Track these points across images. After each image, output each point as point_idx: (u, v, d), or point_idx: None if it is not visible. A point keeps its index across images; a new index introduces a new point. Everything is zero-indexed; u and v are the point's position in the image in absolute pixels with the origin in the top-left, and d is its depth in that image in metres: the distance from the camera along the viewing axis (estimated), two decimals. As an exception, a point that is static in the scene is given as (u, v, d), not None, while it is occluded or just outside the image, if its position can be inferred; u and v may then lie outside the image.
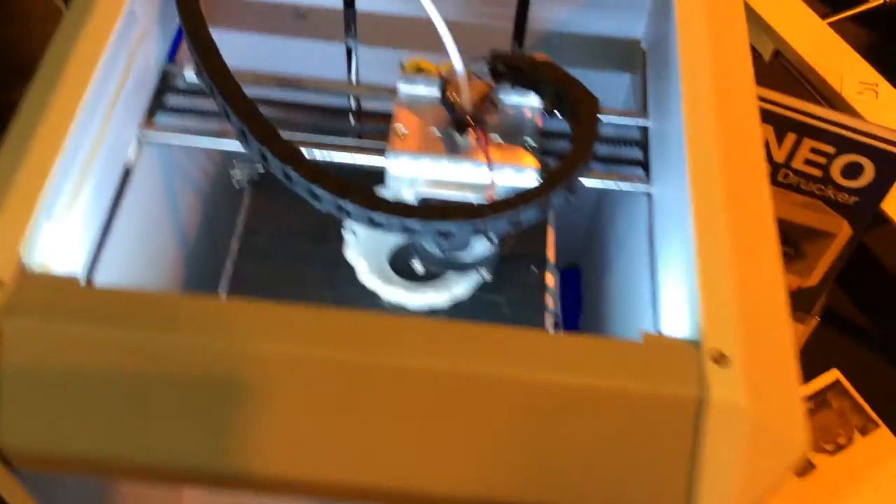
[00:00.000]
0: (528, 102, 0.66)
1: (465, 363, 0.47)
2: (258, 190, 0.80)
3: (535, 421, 0.47)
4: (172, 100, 0.69)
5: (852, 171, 0.89)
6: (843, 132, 0.86)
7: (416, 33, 0.82)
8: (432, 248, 0.67)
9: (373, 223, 0.56)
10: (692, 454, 0.47)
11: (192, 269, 0.86)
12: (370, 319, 0.49)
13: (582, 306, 1.02)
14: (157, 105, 0.68)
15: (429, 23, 0.83)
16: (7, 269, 0.49)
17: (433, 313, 0.71)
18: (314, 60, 0.84)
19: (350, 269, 0.73)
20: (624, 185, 0.67)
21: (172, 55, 0.72)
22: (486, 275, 0.70)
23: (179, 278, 0.84)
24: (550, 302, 0.74)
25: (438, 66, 0.67)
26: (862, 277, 1.12)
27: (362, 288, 0.72)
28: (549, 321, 0.73)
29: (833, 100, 1.18)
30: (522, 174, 0.63)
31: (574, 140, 0.60)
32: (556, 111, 0.65)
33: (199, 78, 0.61)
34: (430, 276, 0.73)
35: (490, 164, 0.62)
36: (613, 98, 0.90)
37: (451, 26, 0.80)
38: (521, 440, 0.47)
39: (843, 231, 0.93)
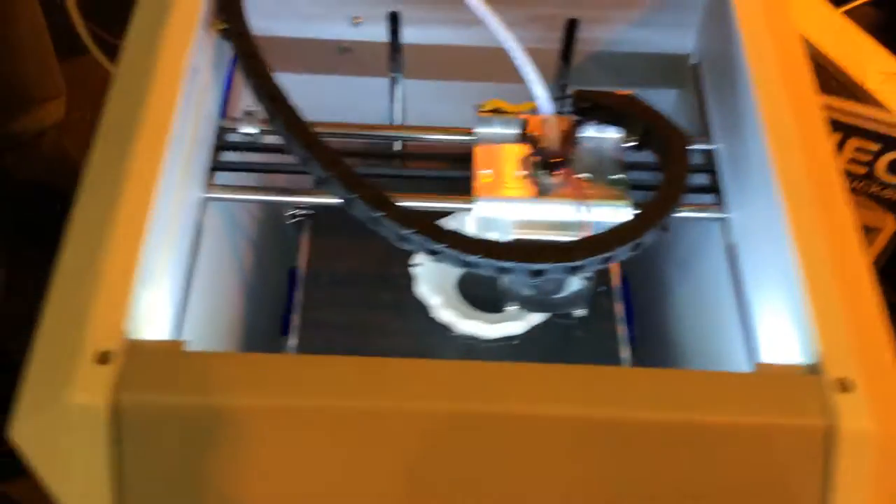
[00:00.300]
0: (607, 136, 0.66)
1: (598, 408, 0.47)
2: (315, 233, 0.79)
3: (665, 461, 0.47)
4: (228, 156, 0.69)
5: (897, 167, 0.90)
6: (888, 130, 0.87)
7: (460, 63, 0.82)
8: (525, 290, 0.64)
9: (466, 265, 0.56)
10: (824, 484, 0.47)
11: (253, 313, 0.85)
12: (490, 370, 0.49)
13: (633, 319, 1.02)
14: (216, 163, 0.67)
15: (470, 52, 0.83)
16: (114, 341, 0.48)
17: (507, 339, 0.71)
18: (358, 94, 0.84)
19: (416, 303, 0.72)
20: (696, 214, 0.66)
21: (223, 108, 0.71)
22: (582, 312, 0.68)
23: (241, 324, 0.83)
24: (621, 324, 0.74)
25: (517, 105, 0.66)
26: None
27: (432, 321, 0.72)
28: (622, 341, 0.73)
29: (856, 91, 1.18)
30: (618, 210, 0.62)
31: (666, 177, 0.59)
32: (641, 146, 0.64)
33: (273, 127, 0.60)
34: (495, 305, 0.73)
35: (585, 203, 0.61)
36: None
37: (497, 50, 0.80)
38: (653, 480, 0.47)
39: (888, 226, 0.94)
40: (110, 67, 0.90)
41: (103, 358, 0.47)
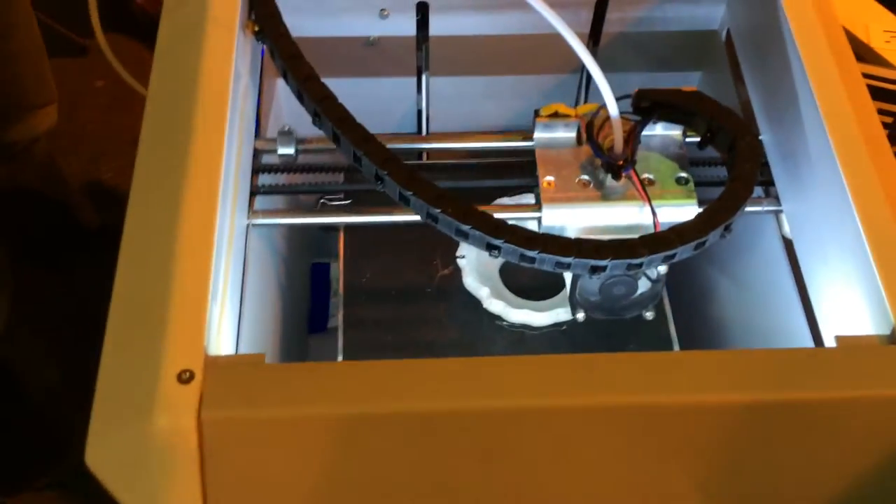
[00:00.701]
0: (671, 133, 0.65)
1: (702, 393, 0.47)
2: (350, 233, 0.78)
3: (763, 442, 0.47)
4: (265, 178, 0.67)
5: (920, 128, 0.90)
6: (911, 91, 0.87)
7: (486, 55, 0.81)
8: (595, 296, 0.63)
9: (525, 259, 0.55)
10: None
11: (288, 321, 0.84)
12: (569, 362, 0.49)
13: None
14: (256, 188, 0.66)
15: (497, 43, 0.81)
16: (196, 359, 0.47)
17: (557, 326, 0.71)
18: (385, 92, 0.83)
19: (460, 295, 0.72)
20: (749, 208, 0.63)
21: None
22: (650, 315, 0.67)
23: (279, 325, 0.82)
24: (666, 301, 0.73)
25: (576, 109, 0.64)
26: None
27: (477, 312, 0.71)
28: (670, 324, 0.73)
29: (861, 51, 1.18)
30: (684, 210, 0.61)
31: (734, 176, 0.57)
32: (705, 144, 0.63)
33: (324, 130, 0.59)
34: (540, 291, 0.72)
35: (651, 205, 0.60)
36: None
37: (526, 37, 0.79)
38: (751, 463, 0.47)
39: (911, 186, 0.94)
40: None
41: (185, 376, 0.46)
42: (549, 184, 0.62)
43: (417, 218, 0.57)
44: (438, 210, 0.54)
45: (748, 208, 0.63)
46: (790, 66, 0.61)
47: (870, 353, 0.49)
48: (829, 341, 0.56)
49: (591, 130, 0.62)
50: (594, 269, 0.54)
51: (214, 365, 0.47)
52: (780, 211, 0.65)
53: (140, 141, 0.55)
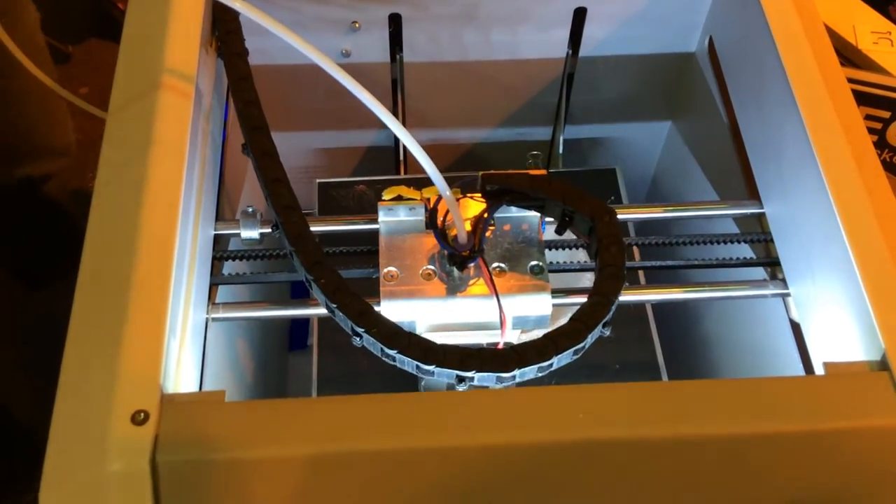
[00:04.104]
0: (526, 216, 0.58)
1: (689, 425, 0.45)
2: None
3: (754, 473, 0.45)
4: (227, 265, 0.63)
5: (908, 133, 0.88)
6: (897, 95, 0.85)
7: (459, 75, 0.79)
8: None
9: (387, 356, 0.51)
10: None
11: (268, 339, 0.82)
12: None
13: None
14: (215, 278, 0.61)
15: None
16: (151, 399, 0.45)
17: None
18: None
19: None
20: (756, 292, 0.60)
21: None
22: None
23: (259, 349, 0.80)
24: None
25: (422, 190, 0.59)
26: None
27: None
28: (654, 337, 0.71)
29: (848, 53, 1.16)
30: (535, 302, 0.55)
31: (602, 265, 0.52)
32: (562, 229, 0.57)
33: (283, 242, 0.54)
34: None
35: (499, 301, 0.54)
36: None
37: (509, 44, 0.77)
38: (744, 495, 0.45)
39: (902, 192, 0.92)
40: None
41: (139, 417, 0.44)
42: (390, 275, 0.56)
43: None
44: (312, 277, 0.51)
45: (757, 293, 0.61)
46: (780, 95, 0.59)
47: (859, 381, 0.47)
48: (819, 366, 0.54)
49: (434, 217, 0.56)
50: (460, 379, 0.49)
51: (171, 404, 0.45)
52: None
53: (98, 184, 0.53)
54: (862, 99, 0.87)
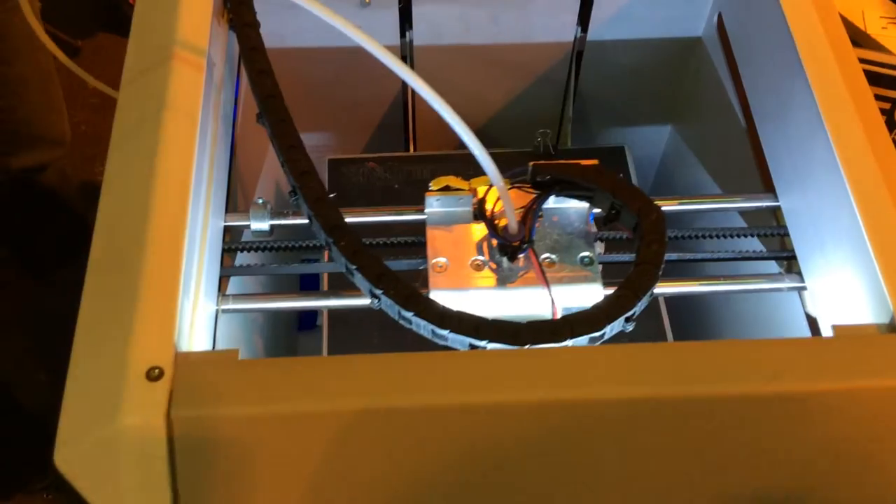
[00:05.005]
0: (575, 207, 0.58)
1: (702, 385, 0.45)
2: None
3: (769, 433, 0.45)
4: (238, 257, 0.63)
5: (916, 113, 0.88)
6: (907, 75, 0.85)
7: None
8: None
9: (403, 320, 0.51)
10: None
11: (277, 319, 0.82)
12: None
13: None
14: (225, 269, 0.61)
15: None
16: (166, 356, 0.45)
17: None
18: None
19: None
20: (772, 285, 0.60)
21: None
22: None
23: (269, 328, 0.81)
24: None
25: (470, 181, 0.58)
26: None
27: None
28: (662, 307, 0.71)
29: (858, 38, 1.16)
30: (587, 293, 0.55)
31: (637, 265, 0.52)
32: (609, 221, 0.57)
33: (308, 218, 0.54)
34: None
35: (550, 291, 0.54)
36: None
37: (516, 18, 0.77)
38: (756, 454, 0.46)
39: (909, 173, 0.92)
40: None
41: (154, 374, 0.45)
42: (438, 265, 0.56)
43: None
44: (332, 239, 0.51)
45: (771, 286, 0.60)
46: (790, 70, 0.59)
47: (869, 343, 0.47)
48: (827, 331, 0.54)
49: (483, 207, 0.56)
50: (473, 348, 0.49)
51: (185, 361, 0.45)
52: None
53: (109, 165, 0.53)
54: (870, 79, 0.87)
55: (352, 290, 0.58)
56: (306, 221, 0.61)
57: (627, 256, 0.58)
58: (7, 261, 1.40)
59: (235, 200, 0.67)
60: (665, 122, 0.91)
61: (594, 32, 0.79)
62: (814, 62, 0.57)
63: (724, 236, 0.63)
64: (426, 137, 0.86)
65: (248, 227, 0.61)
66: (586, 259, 0.56)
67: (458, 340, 0.48)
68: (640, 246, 0.52)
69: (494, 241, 0.56)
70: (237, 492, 0.45)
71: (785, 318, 0.65)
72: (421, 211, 0.58)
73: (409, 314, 0.49)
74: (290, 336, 0.94)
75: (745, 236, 0.63)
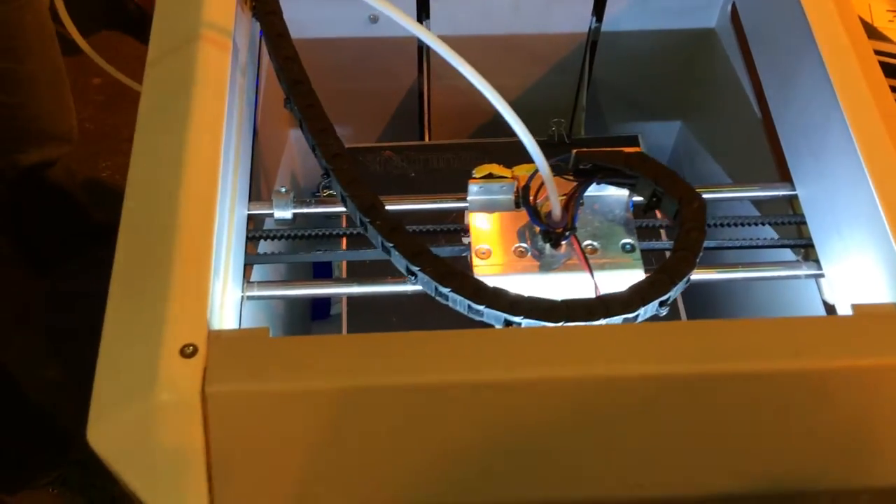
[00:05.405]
0: (615, 195, 0.59)
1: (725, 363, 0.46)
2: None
3: (791, 409, 0.46)
4: (262, 245, 0.64)
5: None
6: (915, 65, 0.86)
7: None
8: None
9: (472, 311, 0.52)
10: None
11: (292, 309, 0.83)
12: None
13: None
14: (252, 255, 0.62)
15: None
16: (199, 334, 0.46)
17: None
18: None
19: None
20: (789, 272, 0.60)
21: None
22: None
23: (284, 317, 0.81)
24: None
25: (512, 169, 0.59)
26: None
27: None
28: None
29: (865, 30, 1.17)
30: (630, 280, 0.54)
31: (675, 251, 0.52)
32: (650, 209, 0.57)
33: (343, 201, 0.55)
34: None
35: (593, 277, 0.55)
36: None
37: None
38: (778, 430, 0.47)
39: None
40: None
41: (188, 351, 0.45)
42: (482, 251, 0.57)
43: (414, 288, 0.54)
44: (368, 219, 0.52)
45: (790, 274, 0.61)
46: (807, 58, 0.59)
47: (888, 320, 0.48)
48: (845, 311, 0.55)
49: (527, 194, 0.57)
50: (507, 324, 0.50)
51: (218, 339, 0.46)
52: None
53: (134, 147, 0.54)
54: (885, 70, 0.88)
55: (373, 277, 0.60)
56: (328, 209, 0.62)
57: (658, 244, 0.60)
58: (12, 257, 1.41)
59: (259, 189, 0.68)
60: (677, 112, 0.92)
61: (608, 23, 0.80)
62: (831, 50, 0.58)
63: (740, 224, 0.64)
64: (440, 126, 0.86)
65: (269, 215, 0.62)
66: (627, 246, 0.57)
67: (494, 316, 0.49)
68: (679, 233, 0.53)
69: (537, 229, 0.57)
70: (271, 466, 0.45)
71: (802, 306, 0.66)
72: (462, 199, 0.59)
73: (445, 290, 0.50)
74: (304, 325, 0.94)
75: (760, 224, 0.64)
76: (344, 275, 0.74)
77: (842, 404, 0.47)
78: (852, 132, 0.55)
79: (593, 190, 0.58)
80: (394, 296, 0.63)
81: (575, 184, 0.57)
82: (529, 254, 0.57)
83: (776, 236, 0.66)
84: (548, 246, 0.56)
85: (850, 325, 0.48)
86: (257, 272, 0.63)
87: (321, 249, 0.67)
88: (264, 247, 0.64)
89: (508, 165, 0.60)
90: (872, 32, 1.14)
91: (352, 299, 0.72)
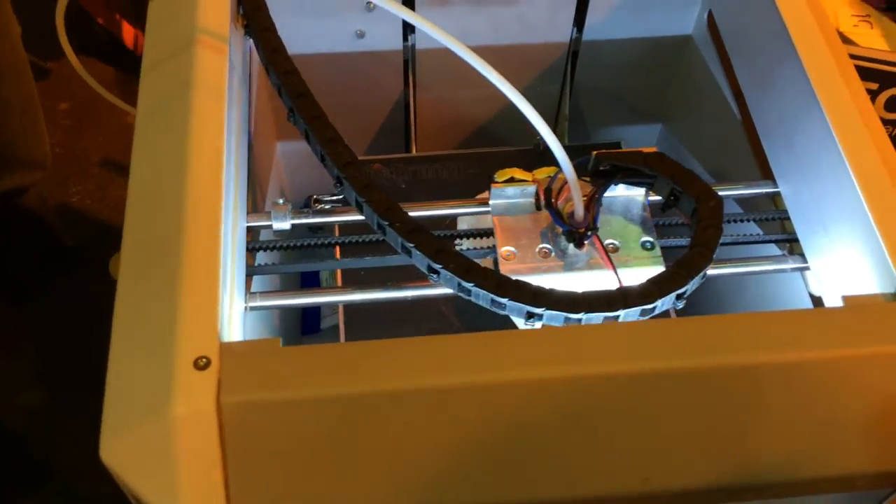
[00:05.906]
0: (633, 195, 0.62)
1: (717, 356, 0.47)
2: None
3: (784, 399, 0.48)
4: (259, 256, 0.64)
5: (896, 104, 0.92)
6: (886, 67, 0.89)
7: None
8: None
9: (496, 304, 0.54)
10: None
11: (283, 325, 0.83)
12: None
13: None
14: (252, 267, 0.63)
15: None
16: (211, 346, 0.47)
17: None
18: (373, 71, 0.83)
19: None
20: (776, 267, 0.62)
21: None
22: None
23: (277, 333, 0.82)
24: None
25: (533, 172, 0.62)
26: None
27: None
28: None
29: (830, 36, 1.20)
30: (650, 275, 0.55)
31: (691, 247, 0.54)
32: (668, 207, 0.60)
33: (351, 201, 0.56)
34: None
35: (617, 274, 0.57)
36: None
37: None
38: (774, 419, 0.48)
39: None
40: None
41: (202, 363, 0.46)
42: (508, 254, 0.59)
43: (416, 293, 0.56)
44: (387, 221, 0.53)
45: (774, 267, 0.62)
46: (785, 59, 0.61)
47: (878, 310, 0.49)
48: (832, 303, 0.56)
49: (550, 196, 0.59)
50: (530, 316, 0.52)
51: (230, 350, 0.47)
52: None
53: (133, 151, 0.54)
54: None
55: (370, 285, 0.61)
56: (325, 220, 0.63)
57: (674, 241, 0.62)
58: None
59: (255, 201, 0.68)
60: (658, 118, 0.94)
61: (589, 33, 0.81)
62: (808, 50, 0.60)
63: (726, 222, 0.65)
64: (425, 139, 0.88)
65: (266, 227, 0.63)
66: (647, 244, 0.60)
67: (517, 308, 0.51)
68: (696, 230, 0.55)
69: (559, 230, 0.59)
70: (289, 475, 0.46)
71: (790, 300, 0.68)
72: (484, 203, 0.61)
73: (469, 285, 0.51)
74: (296, 339, 0.95)
75: (745, 221, 0.66)
76: (339, 284, 0.75)
77: (834, 393, 0.48)
78: (832, 128, 0.57)
79: (609, 191, 0.61)
80: (387, 304, 0.64)
81: (594, 185, 0.59)
82: (553, 254, 0.59)
83: (761, 232, 0.67)
84: (571, 246, 0.59)
85: (841, 316, 0.50)
86: (255, 283, 0.64)
87: (313, 259, 0.68)
88: (261, 258, 0.65)
89: (492, 173, 0.62)
90: (839, 37, 1.17)
91: (348, 311, 0.73)
